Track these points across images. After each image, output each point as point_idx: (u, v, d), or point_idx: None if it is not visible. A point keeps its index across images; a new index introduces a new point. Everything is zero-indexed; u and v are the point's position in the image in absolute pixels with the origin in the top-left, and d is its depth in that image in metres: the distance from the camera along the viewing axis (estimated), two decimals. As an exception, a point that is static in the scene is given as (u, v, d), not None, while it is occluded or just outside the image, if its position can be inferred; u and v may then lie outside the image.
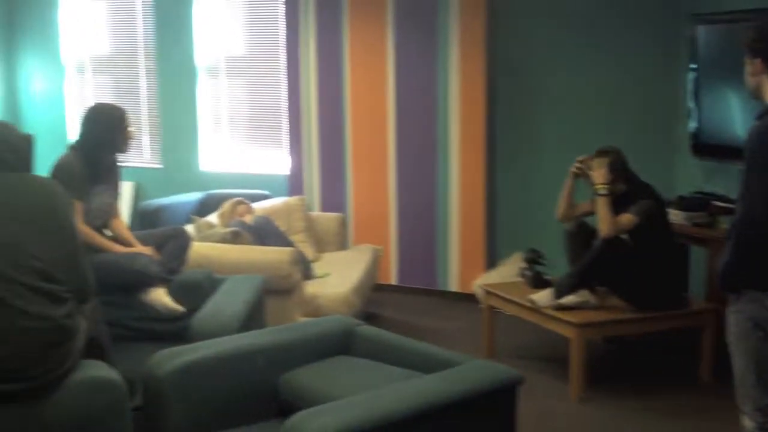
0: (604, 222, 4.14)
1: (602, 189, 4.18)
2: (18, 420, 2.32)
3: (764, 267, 2.42)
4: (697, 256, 4.73)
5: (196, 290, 3.60)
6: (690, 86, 4.96)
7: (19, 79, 7.37)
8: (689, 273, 4.67)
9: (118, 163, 3.84)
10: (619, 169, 4.26)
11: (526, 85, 5.74)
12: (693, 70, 4.91)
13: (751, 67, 2.51)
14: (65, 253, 2.48)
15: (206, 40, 6.62)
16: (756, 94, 2.52)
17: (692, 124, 4.96)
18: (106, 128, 3.67)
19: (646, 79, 5.46)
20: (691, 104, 4.96)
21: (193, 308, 3.38)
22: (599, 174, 4.23)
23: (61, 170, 3.51)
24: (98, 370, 2.50)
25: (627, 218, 4.12)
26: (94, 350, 2.62)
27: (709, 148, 4.86)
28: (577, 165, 4.38)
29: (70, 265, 2.49)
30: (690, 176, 5.19)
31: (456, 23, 5.57)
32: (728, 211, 4.01)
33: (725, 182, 4.68)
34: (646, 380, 4.38)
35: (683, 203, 4.60)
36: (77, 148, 3.66)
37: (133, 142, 3.84)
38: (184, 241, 3.91)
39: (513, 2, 5.70)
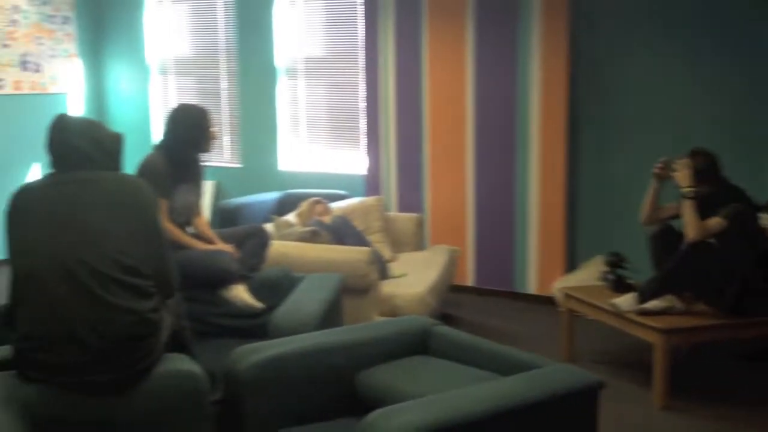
0: (690, 226, 4.03)
1: (688, 192, 4.07)
2: (105, 410, 2.38)
3: None
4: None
5: (275, 288, 3.64)
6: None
7: (107, 79, 7.65)
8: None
9: (201, 163, 3.91)
10: (708, 172, 4.14)
11: (608, 85, 5.61)
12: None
13: None
14: (151, 250, 2.54)
15: (286, 42, 6.72)
16: None
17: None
18: (190, 128, 3.74)
19: (736, 79, 5.28)
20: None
21: (271, 305, 3.43)
22: (683, 176, 4.11)
23: (146, 169, 3.59)
24: (182, 363, 2.55)
25: (715, 222, 4.01)
26: (178, 345, 2.68)
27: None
28: (659, 166, 4.27)
29: (156, 261, 2.55)
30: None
31: (538, 24, 5.50)
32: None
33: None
34: (731, 389, 4.23)
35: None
36: (162, 147, 3.74)
37: (215, 142, 3.91)
38: (264, 239, 3.97)
39: (596, 1, 5.59)
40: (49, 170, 2.64)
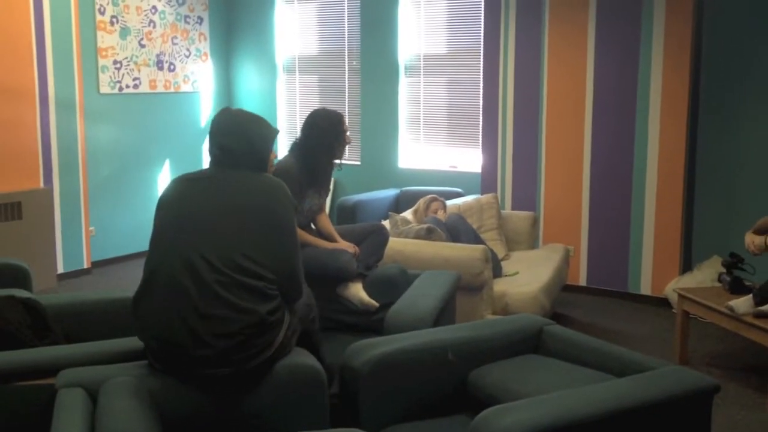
0: None
1: None
2: (225, 403, 2.44)
3: None
4: None
5: (391, 285, 3.69)
6: None
7: (236, 78, 7.96)
8: None
9: (333, 167, 3.95)
10: None
11: (731, 85, 5.51)
12: None
13: None
14: (282, 254, 2.53)
15: (408, 40, 6.84)
16: None
17: None
18: (325, 134, 3.75)
19: None
20: None
21: (387, 302, 3.49)
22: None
23: (280, 173, 3.60)
24: (303, 357, 2.60)
25: None
26: (307, 344, 2.73)
27: None
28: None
29: (286, 264, 2.54)
30: None
31: (661, 23, 5.47)
32: None
33: None
34: None
35: None
36: (296, 151, 3.81)
37: (349, 148, 3.89)
38: (383, 237, 4.01)
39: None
40: (208, 164, 2.71)
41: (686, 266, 5.64)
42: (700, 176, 5.68)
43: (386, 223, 4.91)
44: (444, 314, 3.48)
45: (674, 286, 5.13)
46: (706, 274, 5.13)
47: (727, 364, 4.55)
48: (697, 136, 5.63)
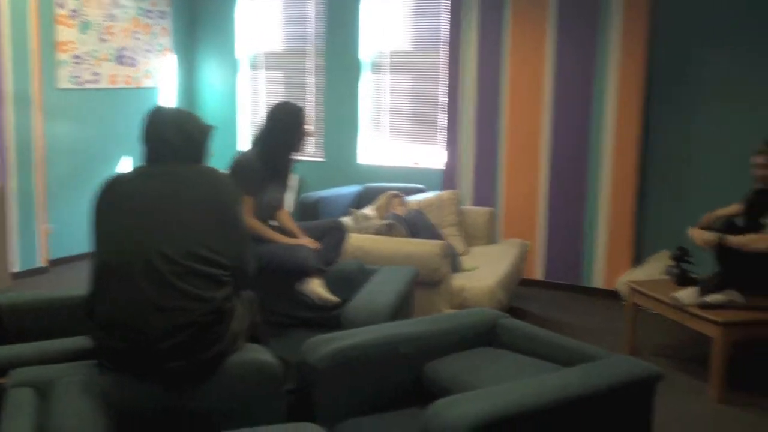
0: (757, 243, 4.08)
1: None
2: (179, 399, 2.42)
3: None
4: None
5: (349, 280, 3.72)
6: None
7: (198, 74, 7.92)
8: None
9: (293, 161, 3.96)
10: None
11: (682, 82, 5.66)
12: None
13: None
14: (231, 242, 2.55)
15: (372, 37, 6.87)
16: None
17: None
18: (285, 126, 3.78)
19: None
20: None
21: (346, 297, 3.51)
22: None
23: (240, 166, 3.71)
24: (256, 353, 2.59)
25: None
26: (252, 336, 2.72)
27: None
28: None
29: (235, 253, 2.56)
30: None
31: (618, 23, 5.60)
32: None
33: None
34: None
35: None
36: (257, 145, 3.82)
37: (308, 141, 3.92)
38: (341, 234, 4.06)
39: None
40: (141, 162, 2.68)
41: (638, 260, 5.79)
42: (651, 173, 5.83)
43: (348, 219, 4.96)
44: (402, 309, 3.52)
45: (625, 279, 5.26)
46: (656, 267, 5.27)
47: (673, 353, 4.69)
48: (650, 131, 5.77)
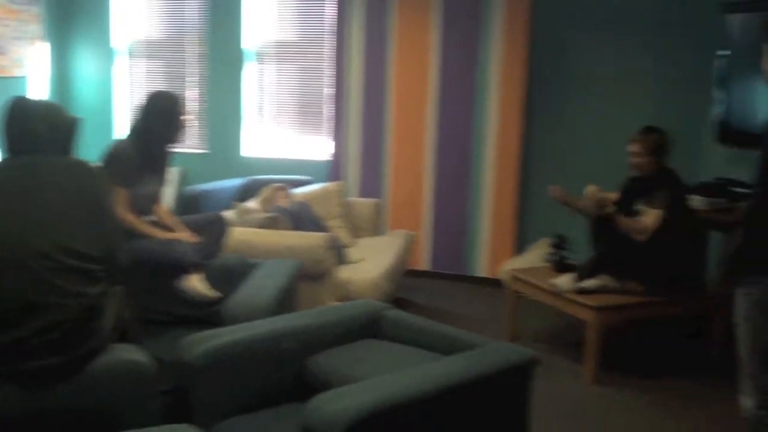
0: (635, 232, 4.21)
1: (610, 209, 4.28)
2: (47, 400, 2.35)
3: None
4: (719, 242, 4.81)
5: (231, 275, 3.64)
6: (719, 73, 5.01)
7: (72, 63, 7.57)
8: (708, 258, 4.74)
9: (170, 152, 3.84)
10: (656, 151, 4.30)
11: (561, 72, 5.84)
12: (723, 57, 4.96)
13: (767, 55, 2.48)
14: (101, 235, 2.51)
15: (254, 26, 6.74)
16: None
17: (719, 111, 5.01)
18: (161, 115, 3.66)
19: (676, 66, 5.52)
20: (719, 91, 5.01)
21: (227, 293, 3.43)
22: (597, 204, 4.33)
23: (114, 157, 3.55)
24: (126, 353, 2.53)
25: (654, 216, 4.18)
26: (124, 334, 2.66)
27: (736, 135, 4.91)
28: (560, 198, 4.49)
29: (105, 246, 2.52)
30: (715, 163, 5.27)
31: (501, 13, 5.69)
32: (747, 197, 4.08)
33: (750, 169, 4.71)
34: (660, 364, 4.49)
35: (704, 189, 4.69)
36: (132, 135, 3.68)
37: (185, 132, 3.82)
38: (222, 227, 3.97)
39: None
40: (3, 154, 2.59)
41: (520, 249, 5.93)
42: (532, 163, 5.97)
43: (231, 213, 4.86)
44: (285, 303, 3.47)
45: (507, 267, 5.37)
46: (537, 255, 5.40)
47: (551, 338, 4.84)
48: (532, 121, 5.91)
